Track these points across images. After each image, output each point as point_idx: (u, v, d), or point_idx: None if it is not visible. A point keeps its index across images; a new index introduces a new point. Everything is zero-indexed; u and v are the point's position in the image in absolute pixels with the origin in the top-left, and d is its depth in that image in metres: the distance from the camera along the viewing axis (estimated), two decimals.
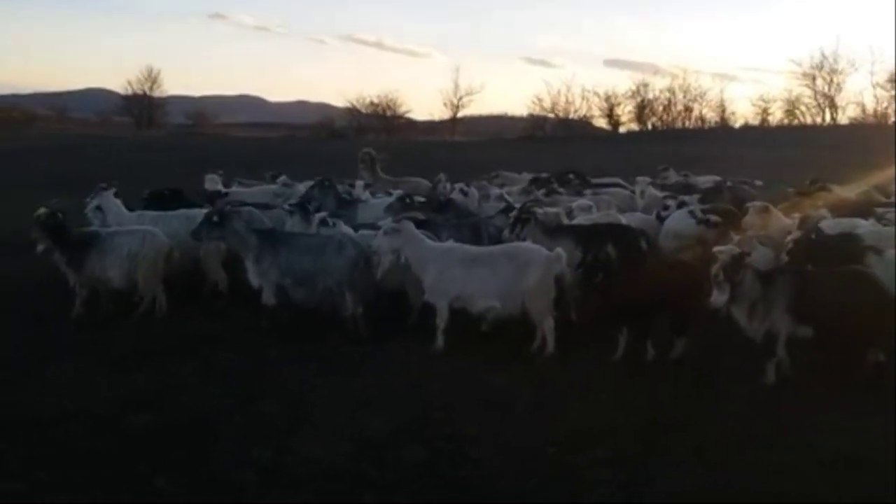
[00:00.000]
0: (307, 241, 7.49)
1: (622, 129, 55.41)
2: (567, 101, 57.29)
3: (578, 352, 6.78)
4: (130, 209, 8.94)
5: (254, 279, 7.36)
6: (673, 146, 31.25)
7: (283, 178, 11.47)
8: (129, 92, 62.04)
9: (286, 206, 8.69)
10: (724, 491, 4.54)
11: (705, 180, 14.13)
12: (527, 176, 14.58)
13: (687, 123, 55.27)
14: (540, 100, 57.68)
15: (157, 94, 62.86)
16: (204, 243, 7.76)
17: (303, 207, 8.45)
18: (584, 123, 57.08)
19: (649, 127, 54.79)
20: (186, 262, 8.32)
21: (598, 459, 4.92)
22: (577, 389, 6.06)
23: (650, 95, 55.64)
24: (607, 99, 56.22)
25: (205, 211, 7.96)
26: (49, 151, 28.43)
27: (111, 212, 8.61)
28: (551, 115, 57.88)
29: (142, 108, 61.70)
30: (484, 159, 23.27)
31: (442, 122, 62.63)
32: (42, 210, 7.60)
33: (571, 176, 13.40)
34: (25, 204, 8.34)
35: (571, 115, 57.78)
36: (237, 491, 4.55)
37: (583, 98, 57.13)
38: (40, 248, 7.59)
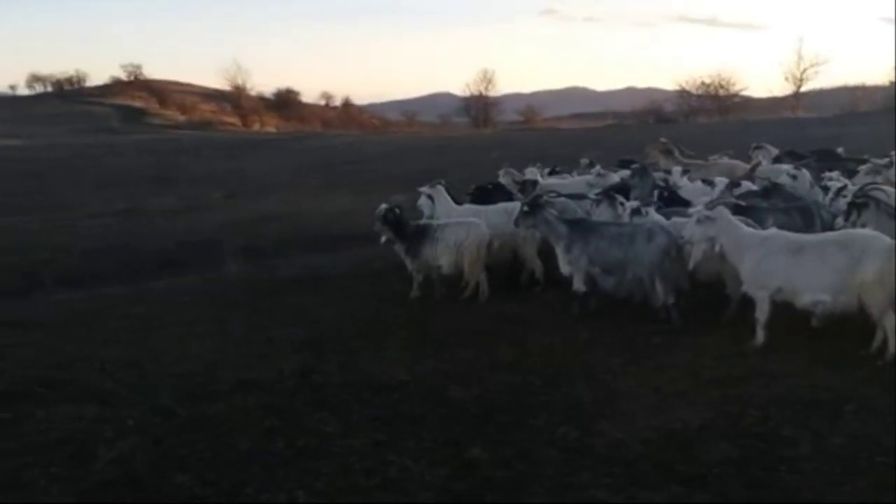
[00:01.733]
0: (617, 229, 7.51)
1: None
2: None
3: None
4: (458, 202, 9.79)
5: (564, 267, 7.60)
6: None
7: (597, 167, 11.58)
8: (468, 94, 67.16)
9: (592, 196, 8.79)
10: None
11: None
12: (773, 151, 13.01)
13: None
14: None
15: (491, 93, 67.09)
16: (520, 231, 8.19)
17: (609, 196, 8.47)
18: None
19: None
20: (506, 251, 8.88)
21: None
22: None
23: None
24: None
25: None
26: (397, 152, 32.04)
27: (440, 204, 9.52)
28: None
29: (478, 108, 66.32)
30: (830, 135, 20.93)
31: (784, 98, 57.46)
32: (382, 206, 8.69)
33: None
34: (380, 200, 9.55)
35: None
36: (542, 465, 4.79)
37: None
38: (383, 239, 8.70)
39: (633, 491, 4.44)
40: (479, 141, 38.80)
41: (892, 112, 41.35)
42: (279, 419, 5.65)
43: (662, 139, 14.13)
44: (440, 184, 9.72)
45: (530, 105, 72.33)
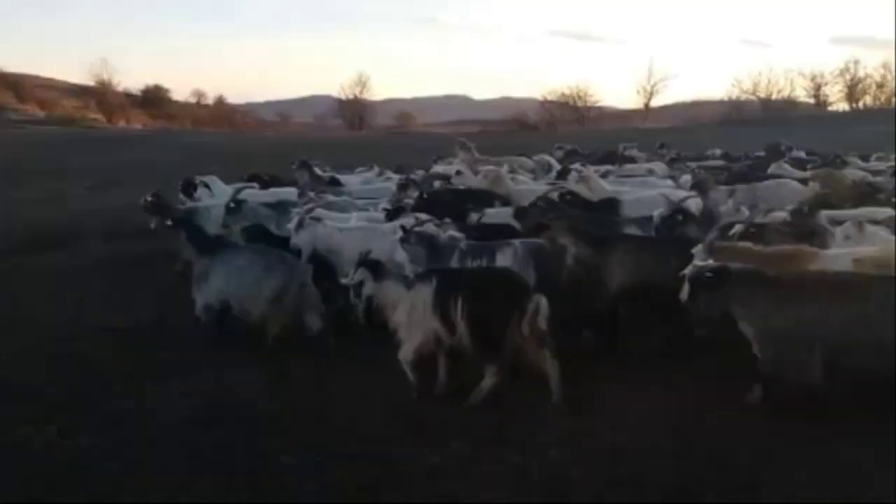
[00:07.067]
0: None
1: (830, 109, 52.06)
2: (769, 82, 54.91)
3: None
4: None
5: None
6: (887, 126, 28.93)
7: (376, 169, 14.50)
8: (344, 97, 68.19)
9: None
10: None
11: None
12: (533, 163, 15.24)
13: None
14: (739, 81, 55.80)
15: (367, 97, 68.37)
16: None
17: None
18: (786, 105, 54.26)
19: (860, 106, 50.93)
20: None
21: None
22: None
23: (861, 73, 51.90)
24: (813, 78, 53.16)
25: (289, 189, 10.88)
26: (266, 150, 32.82)
27: (215, 190, 11.24)
28: (752, 98, 55.72)
29: (353, 111, 67.46)
30: (674, 144, 23.45)
31: (638, 110, 62.23)
32: (147, 196, 10.30)
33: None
34: None
35: (774, 97, 55.23)
36: (344, 375, 6.35)
37: (786, 79, 54.50)
38: (152, 225, 10.21)
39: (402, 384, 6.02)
40: (350, 142, 40.08)
41: (729, 122, 46.01)
42: (132, 351, 6.97)
43: (461, 139, 16.32)
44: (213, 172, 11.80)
45: (405, 111, 74.10)
